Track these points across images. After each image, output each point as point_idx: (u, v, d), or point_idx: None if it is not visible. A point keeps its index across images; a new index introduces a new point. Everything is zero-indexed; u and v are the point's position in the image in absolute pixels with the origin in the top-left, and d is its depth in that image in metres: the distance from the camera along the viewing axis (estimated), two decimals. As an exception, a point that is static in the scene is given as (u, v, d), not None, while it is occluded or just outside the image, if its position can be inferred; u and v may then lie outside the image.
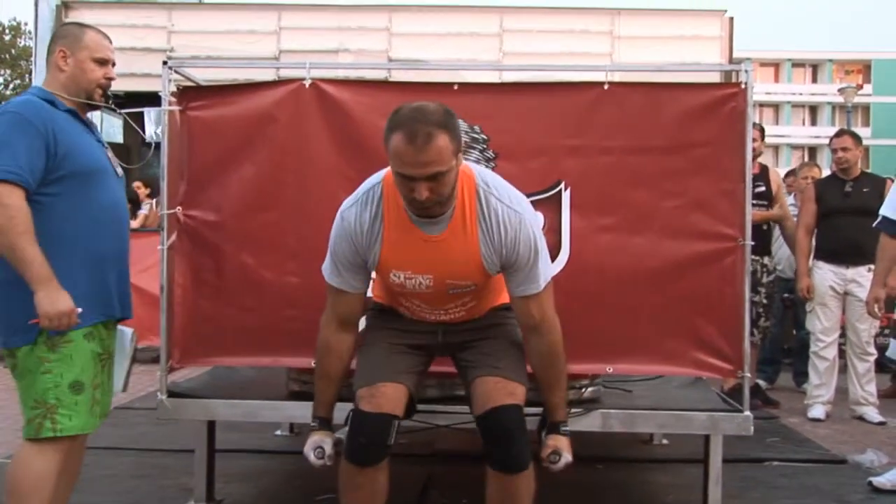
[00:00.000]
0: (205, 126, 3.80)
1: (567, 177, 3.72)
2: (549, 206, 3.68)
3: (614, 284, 3.72)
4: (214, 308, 3.81)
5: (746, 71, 3.71)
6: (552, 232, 3.65)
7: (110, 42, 3.26)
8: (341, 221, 2.96)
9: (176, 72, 3.84)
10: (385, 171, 2.94)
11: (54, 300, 2.85)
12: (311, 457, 3.01)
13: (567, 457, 3.02)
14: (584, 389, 3.76)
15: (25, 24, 36.56)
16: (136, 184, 9.92)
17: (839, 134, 6.61)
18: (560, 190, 3.71)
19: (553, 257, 3.55)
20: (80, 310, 2.91)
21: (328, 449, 3.00)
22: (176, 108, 3.77)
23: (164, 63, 3.76)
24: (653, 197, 3.72)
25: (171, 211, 3.78)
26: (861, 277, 6.04)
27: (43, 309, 2.84)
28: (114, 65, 3.24)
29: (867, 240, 5.36)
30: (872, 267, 5.80)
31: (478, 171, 2.97)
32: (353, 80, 3.91)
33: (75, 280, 2.98)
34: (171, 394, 3.78)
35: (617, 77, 3.86)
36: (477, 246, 2.89)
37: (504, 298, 3.16)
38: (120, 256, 3.23)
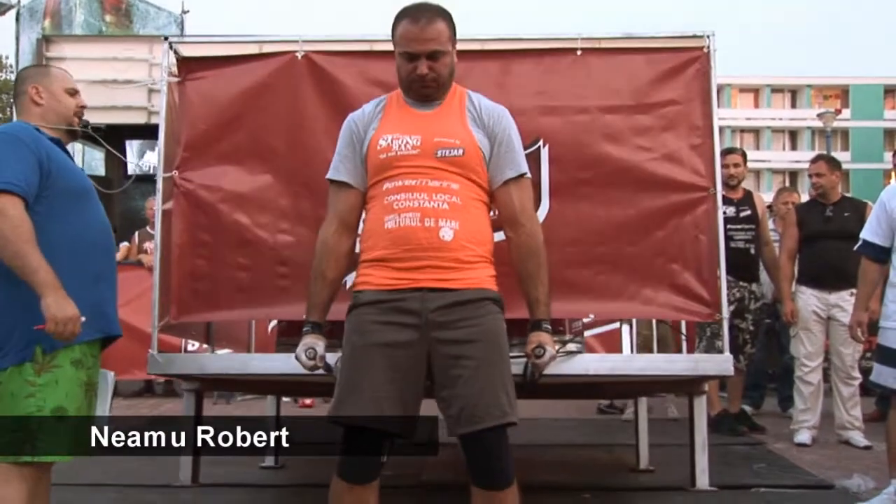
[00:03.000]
0: (202, 95, 4.03)
1: (545, 135, 3.90)
2: (529, 163, 3.76)
3: (593, 235, 3.89)
4: (210, 265, 3.99)
5: (709, 37, 3.98)
6: (532, 187, 3.73)
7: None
8: (349, 119, 3.19)
9: (174, 49, 4.07)
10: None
11: (62, 305, 2.85)
12: (303, 357, 3.02)
13: (551, 351, 3.01)
14: (566, 344, 3.81)
15: (7, 57, 36.50)
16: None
17: (815, 160, 6.68)
18: (539, 147, 3.88)
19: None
20: (84, 318, 2.91)
21: (319, 350, 3.01)
22: (174, 79, 4.01)
23: (165, 38, 4.06)
24: (626, 152, 3.93)
25: (168, 174, 3.96)
26: (844, 302, 6.05)
27: (51, 313, 2.83)
28: (79, 95, 3.33)
29: (849, 264, 5.37)
30: (855, 291, 5.84)
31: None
32: (342, 50, 4.11)
33: (73, 298, 2.97)
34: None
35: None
36: (465, 118, 3.10)
37: (491, 280, 3.02)
38: (111, 275, 3.27)
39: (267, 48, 4.18)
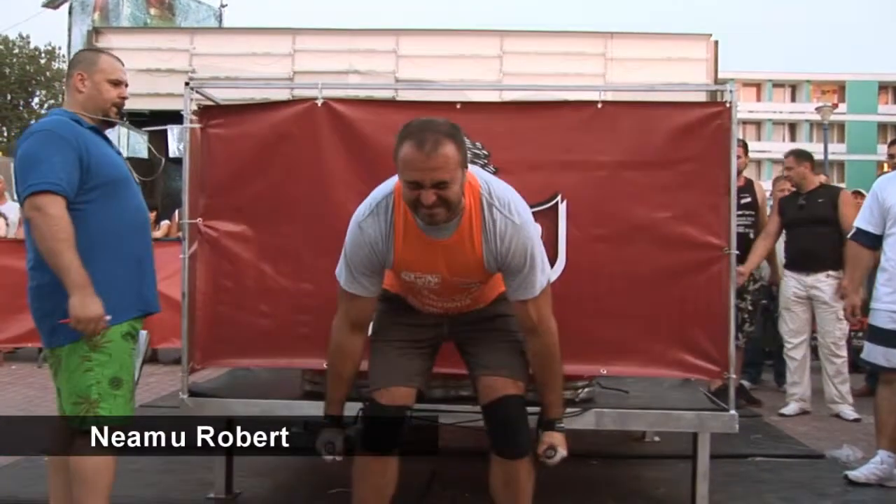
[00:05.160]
0: (224, 142, 3.80)
1: (563, 190, 3.70)
2: (547, 218, 3.66)
3: (608, 291, 3.70)
4: (233, 313, 3.81)
5: (731, 91, 3.70)
6: (549, 242, 3.63)
7: (122, 65, 3.28)
8: (360, 232, 2.89)
9: (197, 92, 3.84)
10: (395, 182, 2.86)
11: (86, 305, 2.86)
12: (323, 452, 3.00)
13: (562, 452, 3.01)
14: (580, 390, 3.73)
15: (59, 48, 36.83)
16: None
17: (786, 155, 6.62)
18: (557, 202, 3.70)
19: (550, 265, 3.54)
20: (108, 317, 2.92)
21: (338, 445, 2.99)
22: (197, 125, 3.77)
23: (187, 84, 3.78)
24: (644, 209, 3.70)
25: (193, 221, 3.78)
26: (820, 283, 6.09)
27: (74, 313, 2.86)
28: (126, 85, 3.26)
29: (821, 247, 5.43)
30: (830, 273, 5.99)
31: (484, 181, 2.90)
32: (362, 99, 3.89)
33: (116, 279, 3.02)
34: (192, 393, 3.78)
35: (609, 97, 3.83)
36: (480, 251, 2.86)
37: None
38: (149, 255, 3.26)
39: (285, 94, 3.94)
